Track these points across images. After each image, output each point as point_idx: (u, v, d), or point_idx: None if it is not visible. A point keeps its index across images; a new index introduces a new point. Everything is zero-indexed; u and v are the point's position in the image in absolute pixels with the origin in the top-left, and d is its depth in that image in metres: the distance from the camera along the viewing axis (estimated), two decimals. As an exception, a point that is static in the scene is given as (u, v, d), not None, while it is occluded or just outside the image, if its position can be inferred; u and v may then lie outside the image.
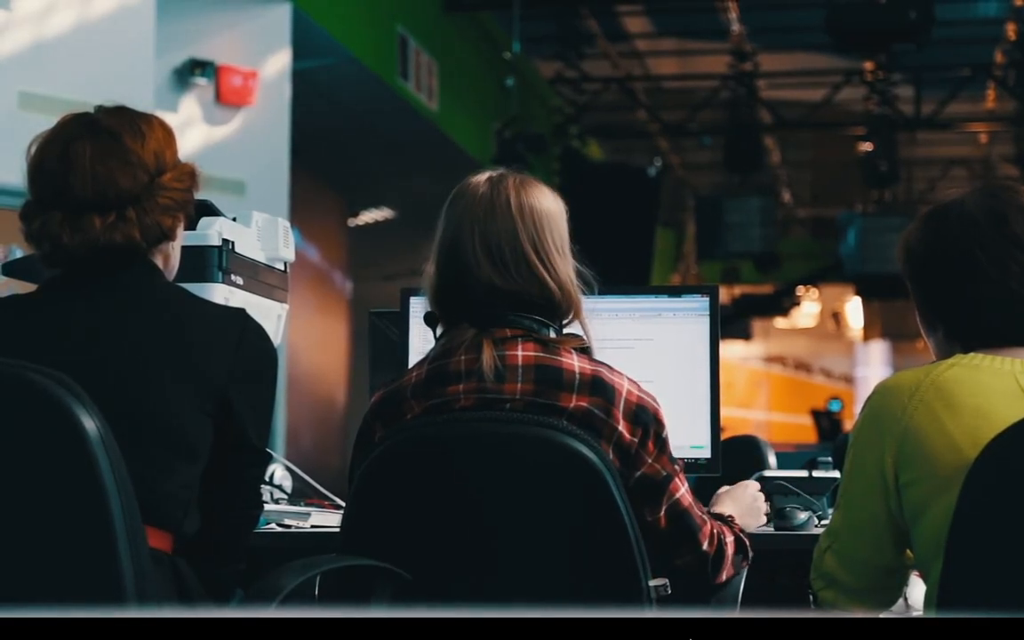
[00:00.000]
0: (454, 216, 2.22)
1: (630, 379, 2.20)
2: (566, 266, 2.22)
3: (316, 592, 2.17)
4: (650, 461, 2.17)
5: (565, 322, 2.23)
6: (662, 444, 2.20)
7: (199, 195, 2.30)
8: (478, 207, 2.19)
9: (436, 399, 2.17)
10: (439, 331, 2.25)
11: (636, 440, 2.16)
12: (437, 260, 2.23)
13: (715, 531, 2.26)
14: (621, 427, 2.14)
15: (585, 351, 2.21)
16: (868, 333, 22.05)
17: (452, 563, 2.09)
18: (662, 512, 2.18)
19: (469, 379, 2.15)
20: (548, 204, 2.23)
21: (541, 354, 2.16)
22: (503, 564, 2.08)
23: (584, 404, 2.13)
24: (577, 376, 2.14)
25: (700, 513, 2.24)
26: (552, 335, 2.20)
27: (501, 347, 2.16)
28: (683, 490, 2.22)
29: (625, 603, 2.04)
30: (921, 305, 2.14)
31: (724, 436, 3.02)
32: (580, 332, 2.24)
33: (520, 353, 2.15)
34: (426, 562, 2.09)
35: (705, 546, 2.22)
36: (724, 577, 2.26)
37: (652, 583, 2.07)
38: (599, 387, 2.15)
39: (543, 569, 2.07)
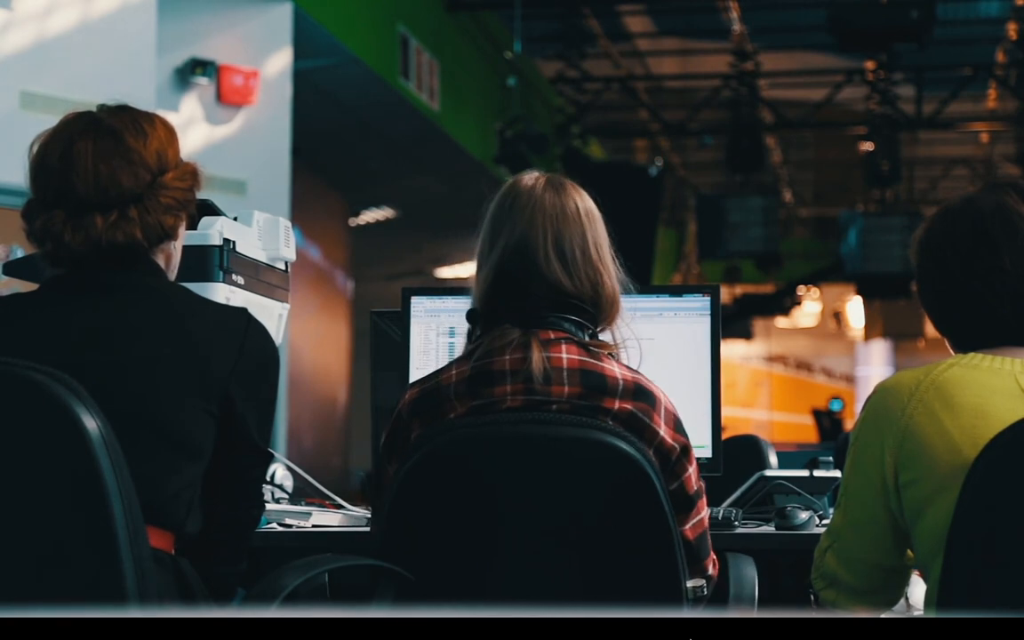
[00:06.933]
0: (521, 217, 2.22)
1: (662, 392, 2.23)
2: (614, 271, 2.26)
3: (327, 592, 2.17)
4: (689, 471, 2.21)
5: (599, 328, 2.25)
6: (693, 461, 2.24)
7: (200, 194, 2.30)
8: (551, 209, 2.22)
9: (481, 400, 2.17)
10: (478, 331, 2.24)
11: (677, 448, 2.19)
12: (500, 257, 2.21)
13: (714, 556, 2.31)
14: (663, 432, 2.18)
15: (613, 358, 2.23)
16: (869, 333, 22.03)
17: (497, 562, 2.10)
18: (689, 525, 2.22)
19: (515, 380, 2.16)
20: (598, 212, 2.28)
21: (584, 358, 2.17)
22: (549, 564, 2.09)
23: (628, 407, 2.15)
24: (620, 381, 2.16)
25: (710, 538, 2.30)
26: (587, 339, 2.21)
27: (546, 349, 2.17)
28: (707, 511, 2.28)
29: (665, 603, 2.06)
30: (929, 304, 2.13)
31: (725, 435, 3.02)
32: (608, 339, 2.26)
33: (564, 356, 2.17)
34: (471, 561, 2.10)
35: (711, 570, 2.27)
36: None
37: (689, 584, 2.11)
38: (641, 393, 2.17)
39: (588, 569, 2.08)
